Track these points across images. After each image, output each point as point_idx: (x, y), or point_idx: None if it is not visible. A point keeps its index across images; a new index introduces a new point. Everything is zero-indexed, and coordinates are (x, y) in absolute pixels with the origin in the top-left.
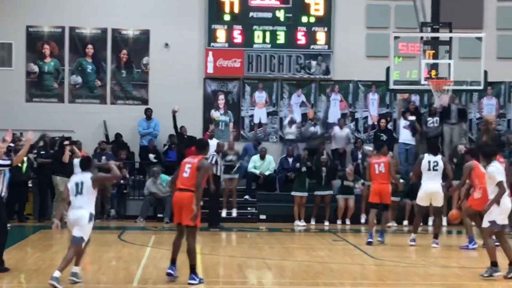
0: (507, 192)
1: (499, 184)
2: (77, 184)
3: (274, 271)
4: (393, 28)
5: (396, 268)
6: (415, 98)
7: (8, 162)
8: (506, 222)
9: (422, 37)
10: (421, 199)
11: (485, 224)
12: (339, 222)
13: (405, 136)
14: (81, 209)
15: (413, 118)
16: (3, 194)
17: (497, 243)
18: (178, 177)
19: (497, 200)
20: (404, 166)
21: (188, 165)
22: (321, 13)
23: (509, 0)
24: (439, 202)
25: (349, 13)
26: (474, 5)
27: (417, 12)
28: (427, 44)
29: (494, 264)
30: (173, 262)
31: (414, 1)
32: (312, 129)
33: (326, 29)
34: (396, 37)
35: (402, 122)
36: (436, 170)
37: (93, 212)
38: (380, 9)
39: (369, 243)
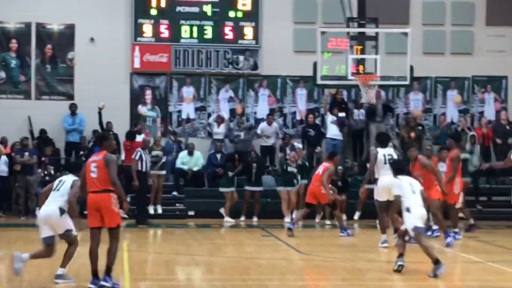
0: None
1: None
2: (60, 181)
3: (202, 267)
4: (320, 23)
5: (323, 263)
6: (344, 93)
7: None
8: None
9: (349, 33)
10: (380, 194)
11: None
12: (287, 219)
13: (332, 131)
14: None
15: (342, 114)
16: None
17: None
18: (87, 180)
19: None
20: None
21: (94, 163)
22: (248, 8)
23: None
24: None
25: (276, 8)
26: (400, 1)
27: (344, 7)
28: (354, 40)
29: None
30: (95, 274)
31: None
32: (237, 133)
33: (253, 24)
34: (323, 32)
35: (330, 118)
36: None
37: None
38: (307, 4)
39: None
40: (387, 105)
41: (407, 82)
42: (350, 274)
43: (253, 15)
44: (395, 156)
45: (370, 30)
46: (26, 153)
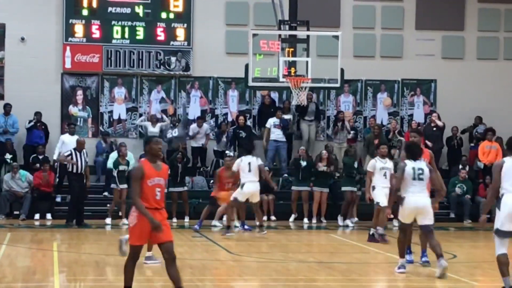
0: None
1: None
2: None
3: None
4: (252, 25)
5: (253, 264)
6: (274, 95)
7: None
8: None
9: (280, 35)
10: (406, 216)
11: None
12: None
13: (275, 134)
14: None
15: (288, 116)
16: None
17: None
18: None
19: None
20: (273, 164)
21: None
22: (180, 9)
23: (365, 0)
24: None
25: (208, 10)
26: (331, 4)
27: (275, 9)
28: (286, 42)
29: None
30: None
31: None
32: (170, 131)
33: (185, 25)
34: (254, 34)
35: (272, 120)
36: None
37: None
38: (239, 7)
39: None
40: (319, 108)
41: (338, 85)
42: (280, 275)
43: (185, 17)
44: (427, 171)
45: (301, 33)
46: None
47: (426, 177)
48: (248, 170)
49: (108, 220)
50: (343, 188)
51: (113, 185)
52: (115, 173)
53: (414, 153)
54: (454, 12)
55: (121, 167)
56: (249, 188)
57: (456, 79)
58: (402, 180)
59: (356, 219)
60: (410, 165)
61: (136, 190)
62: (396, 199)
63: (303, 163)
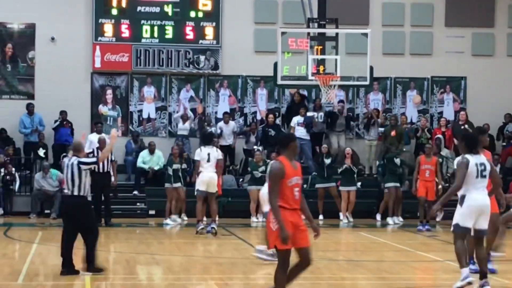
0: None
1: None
2: None
3: (162, 266)
4: (280, 23)
5: None
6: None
7: (94, 160)
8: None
9: (309, 33)
10: (466, 218)
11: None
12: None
13: (299, 132)
14: None
15: (311, 114)
16: (89, 195)
17: None
18: None
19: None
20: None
21: None
22: (209, 8)
23: None
24: None
25: (237, 8)
26: (360, 1)
27: (304, 7)
28: (314, 40)
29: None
30: None
31: None
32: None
33: (214, 24)
34: (283, 33)
35: (296, 119)
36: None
37: None
38: (267, 5)
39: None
40: (349, 118)
41: (367, 83)
42: (309, 273)
43: (213, 15)
44: (488, 167)
45: (330, 31)
46: None
47: (488, 174)
48: (207, 160)
49: (169, 220)
50: (387, 185)
51: (167, 184)
52: (170, 171)
53: (472, 145)
54: (484, 9)
55: (175, 166)
56: (204, 176)
57: (486, 77)
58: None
59: (400, 218)
60: (473, 160)
61: (275, 191)
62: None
63: (327, 161)
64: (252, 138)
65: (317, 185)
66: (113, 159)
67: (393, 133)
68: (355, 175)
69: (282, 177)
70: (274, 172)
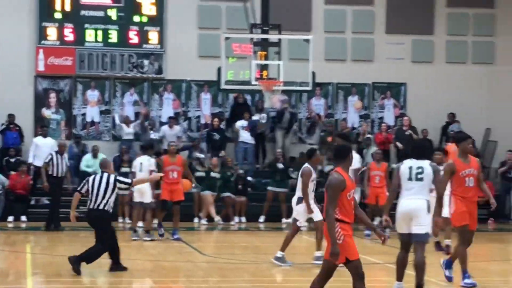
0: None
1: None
2: None
3: (106, 269)
4: (224, 29)
5: (226, 265)
6: (248, 99)
7: (129, 181)
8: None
9: (252, 38)
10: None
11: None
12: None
13: (244, 136)
14: None
15: (256, 118)
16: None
17: None
18: None
19: None
20: (244, 165)
21: None
22: (153, 12)
23: (336, 4)
24: None
25: (181, 14)
26: (303, 8)
27: (247, 13)
28: (258, 45)
29: None
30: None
31: (244, 2)
32: (153, 133)
33: (158, 28)
34: (227, 38)
35: (240, 123)
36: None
37: None
38: (211, 10)
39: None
40: (294, 114)
41: (309, 88)
42: (253, 276)
43: (157, 20)
44: (428, 171)
45: (273, 37)
46: None
47: (426, 177)
48: (139, 170)
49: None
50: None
51: None
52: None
53: (418, 153)
54: (424, 17)
55: (123, 169)
56: (136, 187)
57: (425, 82)
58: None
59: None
60: (407, 164)
61: (333, 204)
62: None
63: (280, 166)
64: (196, 153)
65: (269, 188)
66: (68, 164)
67: (329, 139)
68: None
69: (343, 190)
70: (334, 184)
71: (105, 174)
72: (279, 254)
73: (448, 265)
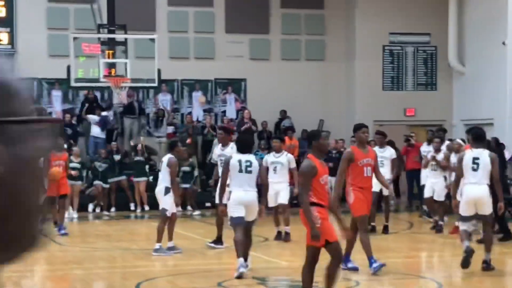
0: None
1: None
2: None
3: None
4: (73, 29)
5: (80, 253)
6: (98, 95)
7: None
8: None
9: (99, 38)
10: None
11: None
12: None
13: (95, 130)
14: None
15: (105, 113)
16: None
17: None
18: None
19: None
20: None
21: None
22: (3, 14)
23: (179, 5)
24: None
25: (30, 14)
26: (147, 9)
27: (94, 14)
28: (105, 45)
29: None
30: None
31: (91, 4)
32: None
33: (8, 29)
34: (75, 38)
35: (92, 118)
36: None
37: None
38: (60, 12)
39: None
40: (141, 105)
41: (155, 84)
42: (106, 262)
43: (7, 21)
44: (255, 164)
45: (119, 36)
46: None
47: (254, 170)
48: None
49: None
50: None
51: None
52: None
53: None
54: (260, 17)
55: None
56: None
57: (263, 78)
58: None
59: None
60: (236, 157)
61: (307, 189)
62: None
63: (117, 157)
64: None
65: (110, 180)
66: None
67: (188, 140)
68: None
69: (314, 175)
70: (306, 171)
71: None
72: (157, 245)
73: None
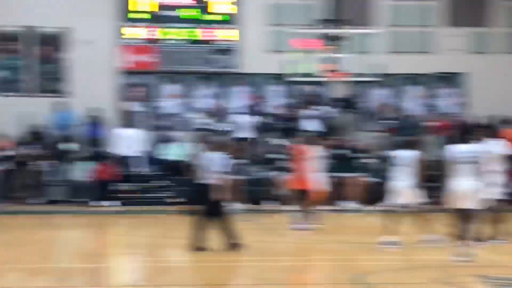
0: None
1: None
2: None
3: None
4: (290, 24)
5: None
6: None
7: None
8: None
9: (320, 33)
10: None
11: None
12: None
13: (311, 126)
14: None
15: (322, 108)
16: None
17: None
18: None
19: None
20: None
21: None
22: (230, 11)
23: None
24: None
25: (253, 12)
26: (368, 4)
27: (315, 10)
28: (326, 39)
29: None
30: None
31: None
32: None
33: (235, 26)
34: (293, 33)
35: (310, 113)
36: None
37: None
38: (278, 8)
39: None
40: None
41: (376, 79)
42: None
43: (234, 19)
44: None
45: (342, 31)
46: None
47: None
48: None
49: None
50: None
51: None
52: None
53: None
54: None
55: None
56: None
57: (483, 73)
58: None
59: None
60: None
61: None
62: None
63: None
64: None
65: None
66: None
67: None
68: None
69: None
70: None
71: None
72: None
73: None
